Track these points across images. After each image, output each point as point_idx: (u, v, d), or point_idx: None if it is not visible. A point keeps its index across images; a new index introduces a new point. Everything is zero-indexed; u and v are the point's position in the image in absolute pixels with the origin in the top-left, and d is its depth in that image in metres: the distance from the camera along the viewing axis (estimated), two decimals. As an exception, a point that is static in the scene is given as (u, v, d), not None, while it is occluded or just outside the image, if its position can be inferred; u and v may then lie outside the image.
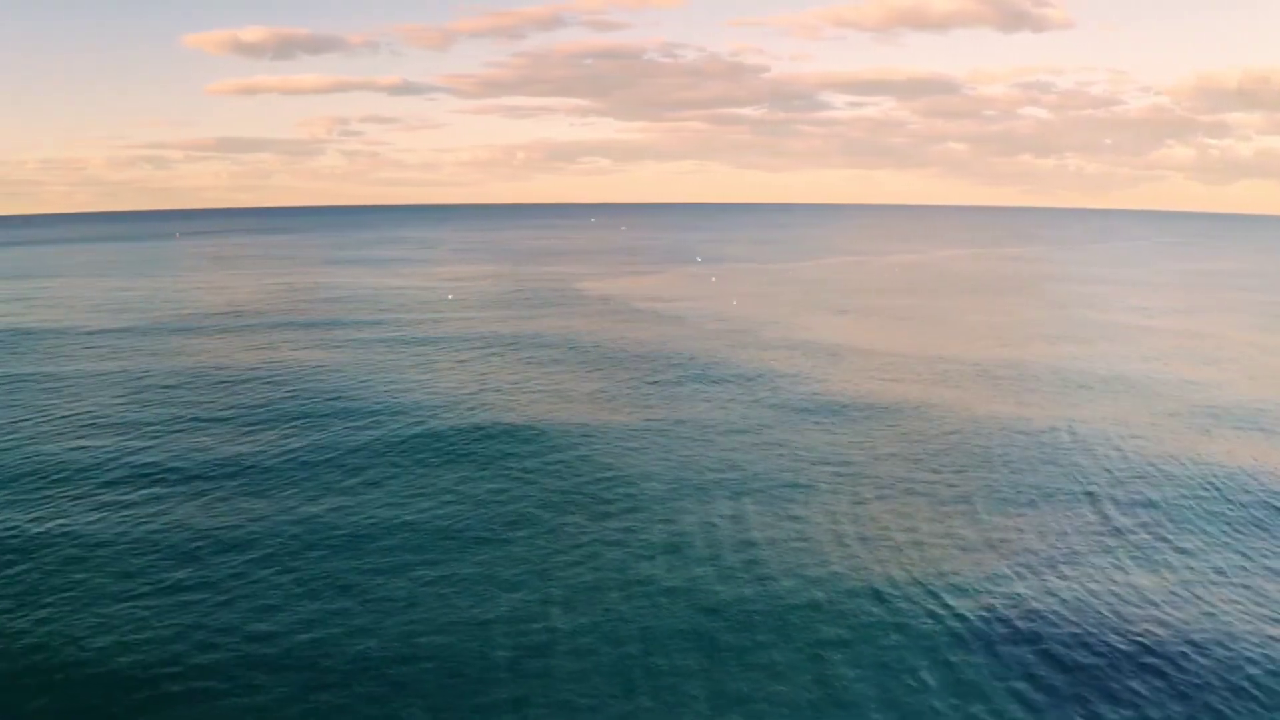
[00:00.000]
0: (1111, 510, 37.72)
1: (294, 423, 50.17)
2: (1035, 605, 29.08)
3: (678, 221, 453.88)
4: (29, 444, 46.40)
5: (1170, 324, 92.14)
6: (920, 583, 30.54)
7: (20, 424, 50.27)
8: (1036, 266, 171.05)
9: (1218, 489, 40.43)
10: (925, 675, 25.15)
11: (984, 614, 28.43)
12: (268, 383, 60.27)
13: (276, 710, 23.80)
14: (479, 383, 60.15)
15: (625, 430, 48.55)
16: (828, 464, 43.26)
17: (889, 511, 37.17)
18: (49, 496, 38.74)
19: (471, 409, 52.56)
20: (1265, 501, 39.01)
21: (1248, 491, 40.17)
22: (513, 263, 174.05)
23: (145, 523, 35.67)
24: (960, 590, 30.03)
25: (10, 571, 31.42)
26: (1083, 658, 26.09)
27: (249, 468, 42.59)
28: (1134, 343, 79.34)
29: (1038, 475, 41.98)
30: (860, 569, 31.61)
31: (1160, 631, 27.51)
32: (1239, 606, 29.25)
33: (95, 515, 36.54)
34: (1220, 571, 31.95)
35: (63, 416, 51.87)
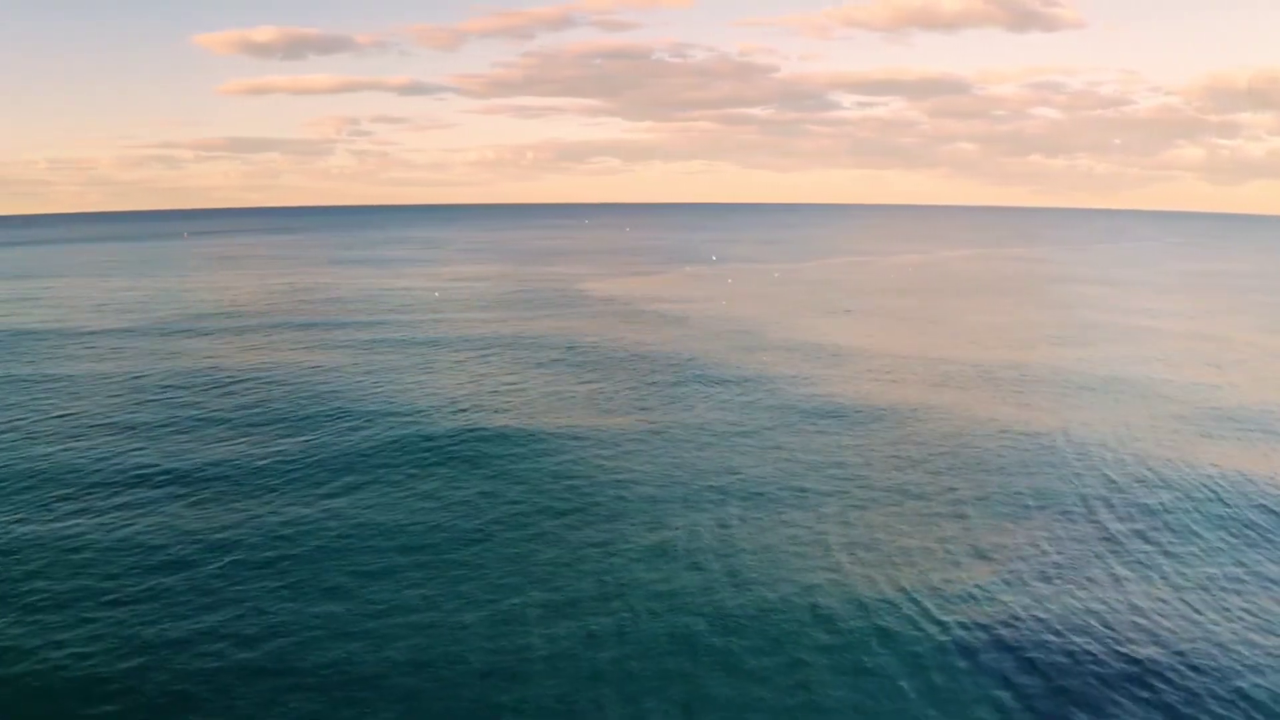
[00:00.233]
0: (1107, 517, 37.20)
1: (287, 425, 49.95)
2: (1023, 617, 28.65)
3: (685, 222, 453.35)
4: (20, 445, 46.27)
5: (1173, 326, 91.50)
6: (905, 592, 30.11)
7: (14, 425, 50.18)
8: (1041, 267, 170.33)
9: (1218, 495, 39.85)
10: (906, 687, 24.75)
11: (968, 625, 28.00)
12: (263, 385, 60.08)
13: (256, 715, 23.64)
14: (474, 385, 59.90)
15: (618, 433, 48.21)
16: (821, 469, 42.84)
17: (879, 519, 36.71)
18: (37, 499, 38.55)
19: (464, 411, 52.31)
20: (1266, 508, 38.41)
21: (1249, 498, 39.56)
22: (516, 263, 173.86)
23: (127, 525, 35.41)
24: (945, 600, 29.60)
25: (-10, 576, 31.27)
26: (1069, 672, 25.63)
27: (239, 471, 42.32)
28: (1136, 345, 78.73)
29: (1034, 481, 41.45)
30: (845, 578, 31.17)
31: (1150, 645, 27.00)
32: (1233, 619, 28.74)
33: (81, 518, 36.31)
34: (1217, 582, 31.42)
35: (56, 418, 51.72)
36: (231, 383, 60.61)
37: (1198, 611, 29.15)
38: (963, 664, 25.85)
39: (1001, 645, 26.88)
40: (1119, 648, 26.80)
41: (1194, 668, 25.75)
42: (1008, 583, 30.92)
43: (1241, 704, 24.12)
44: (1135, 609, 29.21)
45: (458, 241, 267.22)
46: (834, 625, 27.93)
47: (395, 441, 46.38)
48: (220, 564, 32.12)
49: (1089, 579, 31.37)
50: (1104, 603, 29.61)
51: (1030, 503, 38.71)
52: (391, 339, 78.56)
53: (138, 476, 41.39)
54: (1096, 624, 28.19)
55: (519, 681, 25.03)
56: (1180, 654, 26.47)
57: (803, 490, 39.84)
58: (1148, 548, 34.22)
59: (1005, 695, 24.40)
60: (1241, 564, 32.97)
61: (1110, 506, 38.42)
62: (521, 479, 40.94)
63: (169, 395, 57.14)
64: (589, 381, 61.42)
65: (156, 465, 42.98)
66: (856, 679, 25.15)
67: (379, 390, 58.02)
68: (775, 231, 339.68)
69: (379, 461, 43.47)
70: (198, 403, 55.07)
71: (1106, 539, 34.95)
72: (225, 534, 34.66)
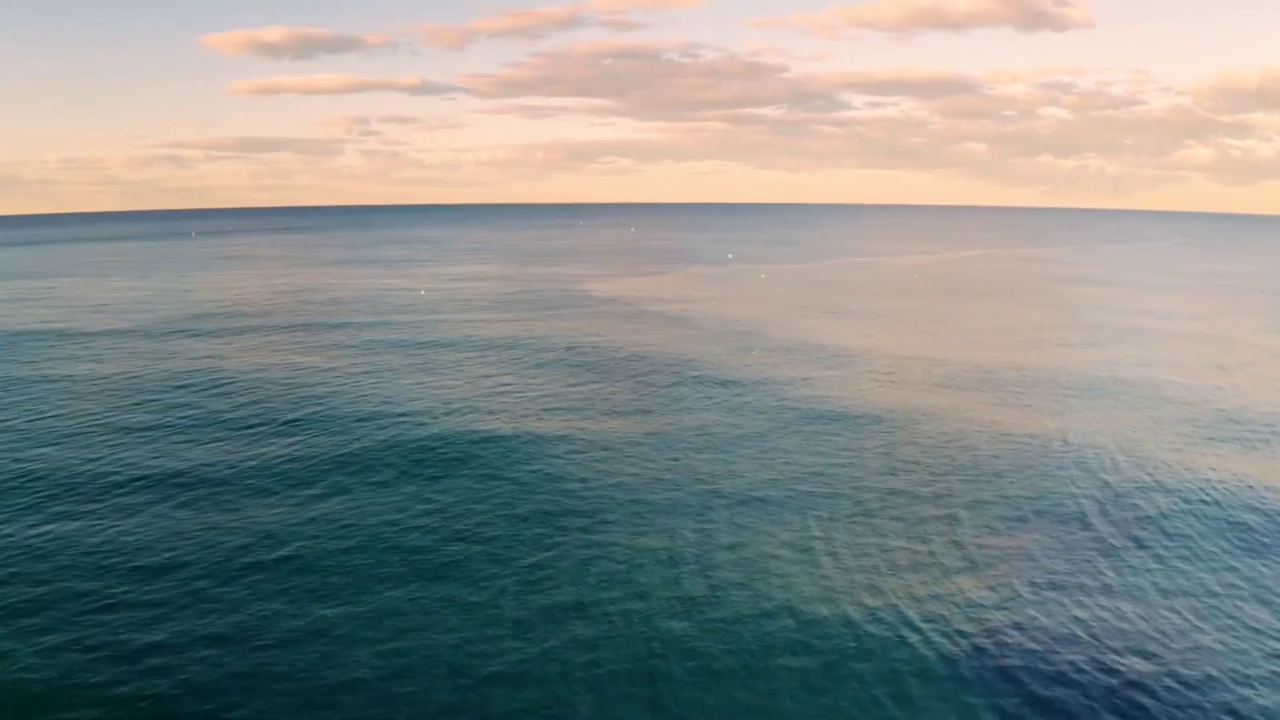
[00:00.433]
0: (1103, 525, 36.48)
1: (279, 428, 49.57)
2: (1008, 628, 27.99)
3: (694, 222, 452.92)
4: (10, 447, 45.98)
5: (1178, 327, 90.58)
6: (889, 603, 29.50)
7: (8, 426, 49.93)
8: (1047, 268, 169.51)
9: (1217, 501, 39.13)
10: (884, 699, 24.22)
11: (952, 637, 27.38)
12: (257, 386, 59.75)
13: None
14: (468, 387, 59.46)
15: (610, 437, 47.72)
16: (813, 475, 42.21)
17: (869, 527, 36.06)
18: (22, 502, 38.23)
19: (458, 414, 51.88)
20: (1266, 514, 37.66)
21: (1249, 505, 38.83)
22: (518, 263, 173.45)
23: (113, 528, 35.02)
24: (929, 612, 28.95)
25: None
26: (1053, 686, 24.98)
27: (230, 473, 41.94)
28: (1139, 346, 77.91)
29: (1029, 487, 40.74)
30: (828, 589, 30.56)
31: (1139, 659, 26.31)
32: (1228, 632, 28.06)
33: (66, 522, 35.97)
34: (1213, 592, 30.73)
35: (49, 419, 51.45)
36: (225, 384, 60.29)
37: (1191, 623, 28.48)
38: (945, 677, 25.23)
39: (986, 659, 26.24)
40: (1107, 661, 26.15)
41: (1183, 682, 25.08)
42: (996, 593, 30.26)
43: (1231, 721, 23.58)
44: (1126, 621, 28.55)
45: (463, 242, 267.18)
46: (815, 636, 27.36)
47: (386, 445, 45.96)
48: (206, 568, 31.74)
49: (1080, 589, 30.71)
50: (1094, 614, 28.95)
51: (1025, 509, 38.03)
52: (389, 340, 78.19)
53: (126, 479, 41.01)
54: (1085, 636, 27.55)
55: (500, 686, 24.73)
56: (1169, 668, 25.80)
57: (793, 496, 39.24)
58: (1143, 555, 33.53)
59: (987, 711, 23.86)
60: (1239, 573, 32.29)
61: (1106, 513, 37.75)
62: (510, 482, 40.45)
63: (161, 397, 56.81)
64: (583, 383, 60.98)
65: (146, 468, 42.62)
66: (835, 691, 24.62)
67: (372, 392, 57.65)
68: (785, 231, 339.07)
69: (368, 465, 43.02)
70: (190, 404, 54.76)
71: (1101, 547, 34.25)
72: (211, 538, 34.30)
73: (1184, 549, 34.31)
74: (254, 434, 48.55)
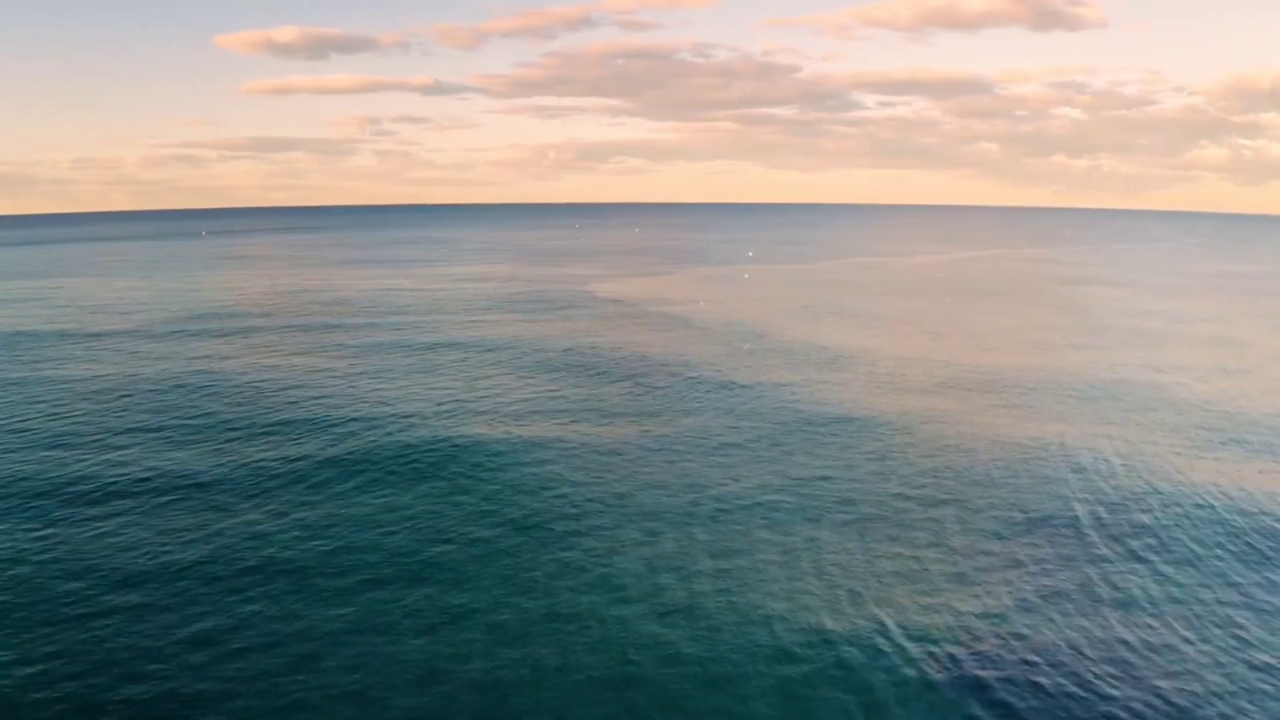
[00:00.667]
0: (1097, 537, 35.46)
1: (266, 432, 49.05)
2: (994, 647, 27.14)
3: (704, 222, 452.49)
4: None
5: (1184, 329, 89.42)
6: (872, 620, 28.67)
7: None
8: (1056, 268, 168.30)
9: (1218, 514, 38.00)
10: (859, 714, 23.77)
11: (937, 657, 26.55)
12: (250, 390, 59.28)
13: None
14: (461, 391, 58.85)
15: (599, 443, 47.08)
16: (804, 483, 41.37)
17: (857, 538, 35.21)
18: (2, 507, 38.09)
19: (450, 418, 51.40)
20: (1267, 528, 36.54)
21: (1250, 517, 37.65)
22: (526, 264, 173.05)
23: (94, 535, 34.58)
24: (913, 629, 28.10)
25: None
26: (1034, 704, 24.19)
27: (213, 479, 41.44)
28: (1144, 349, 76.80)
29: (1025, 497, 39.79)
30: (811, 601, 29.78)
31: (1124, 679, 25.45)
32: (1219, 653, 27.17)
33: (45, 528, 35.61)
34: (1209, 610, 29.74)
35: (37, 422, 51.21)
36: (218, 386, 59.88)
37: (1182, 638, 27.61)
38: (923, 692, 24.52)
39: (966, 672, 25.44)
40: (1090, 676, 25.33)
41: (1173, 705, 24.25)
42: (981, 605, 29.40)
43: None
44: (1113, 634, 27.69)
45: (472, 242, 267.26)
46: (795, 646, 26.67)
47: (375, 448, 45.37)
48: (189, 573, 31.35)
49: (1069, 601, 29.84)
50: (1081, 627, 28.09)
51: (1019, 521, 37.09)
52: (388, 342, 77.81)
53: (111, 483, 40.56)
54: (1070, 650, 26.70)
55: (476, 693, 24.46)
56: (1154, 685, 24.98)
57: (783, 503, 38.44)
58: (1136, 567, 32.61)
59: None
60: (1236, 588, 31.34)
61: (1101, 523, 36.79)
62: (497, 487, 39.89)
63: (151, 400, 56.35)
64: (578, 386, 60.37)
65: (131, 471, 42.13)
66: (813, 702, 24.11)
67: (365, 395, 57.24)
68: (796, 231, 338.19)
69: (356, 468, 42.43)
70: (181, 407, 54.38)
71: (1093, 558, 33.33)
72: (196, 542, 33.90)
73: (1179, 561, 33.39)
74: (242, 437, 48.10)
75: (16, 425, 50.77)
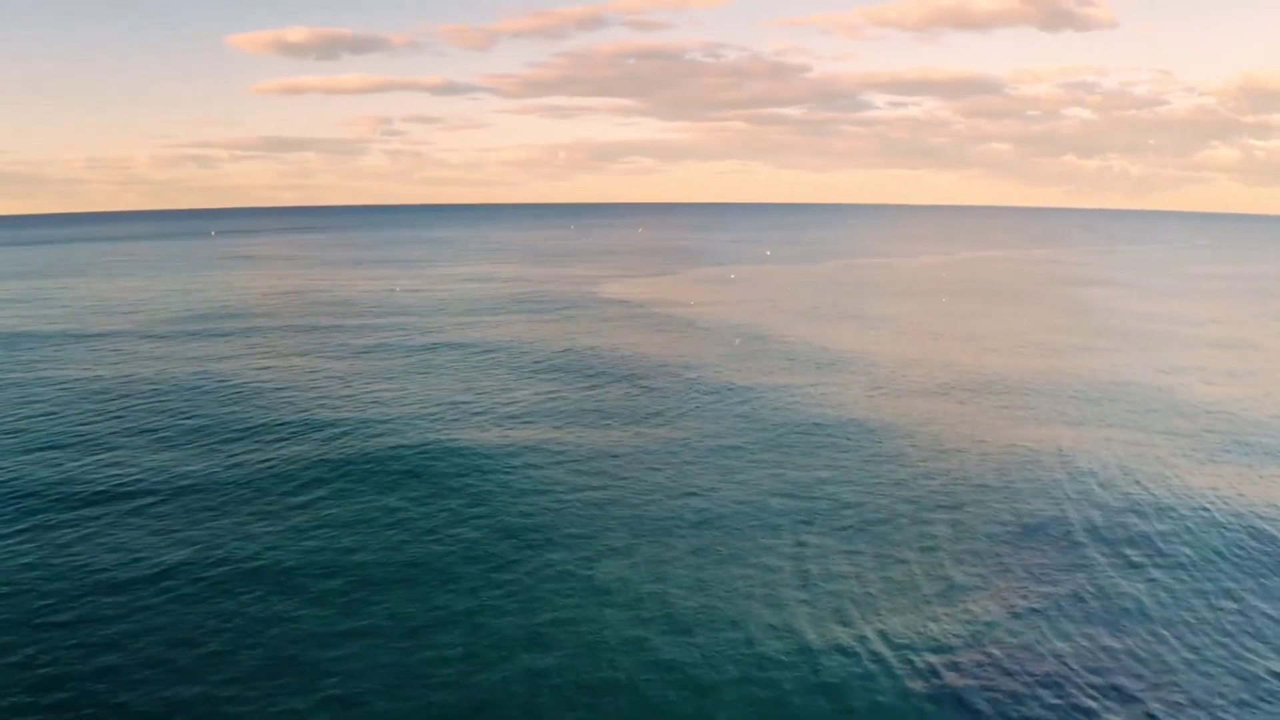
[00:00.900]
0: (1093, 548, 34.74)
1: (257, 435, 48.63)
2: (980, 661, 26.53)
3: (713, 222, 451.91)
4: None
5: (1192, 332, 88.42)
6: (858, 632, 28.10)
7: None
8: (1062, 269, 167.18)
9: (1219, 524, 37.18)
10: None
11: (918, 670, 25.96)
12: (242, 393, 58.90)
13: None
14: (453, 395, 58.46)
15: (588, 449, 46.66)
16: (794, 491, 40.79)
17: (846, 548, 34.62)
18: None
19: (439, 422, 50.95)
20: (1268, 543, 35.55)
21: (1252, 529, 36.79)
22: (532, 264, 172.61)
23: (70, 543, 34.23)
24: (897, 643, 27.50)
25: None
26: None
27: (199, 483, 40.99)
28: (1150, 353, 75.83)
29: (1021, 506, 39.06)
30: (793, 614, 29.23)
31: (1115, 698, 24.81)
32: (1213, 670, 26.50)
33: (25, 532, 35.34)
34: (1202, 627, 28.98)
35: (32, 422, 51.08)
36: (214, 389, 59.50)
37: (1175, 656, 26.94)
38: (903, 707, 23.96)
39: (950, 691, 24.83)
40: (1078, 696, 24.69)
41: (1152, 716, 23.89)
42: (969, 621, 28.72)
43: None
44: (1103, 650, 27.00)
45: (479, 242, 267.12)
46: (776, 663, 26.12)
47: (362, 453, 44.83)
48: (157, 586, 31.07)
49: (1063, 617, 29.17)
50: (1072, 645, 27.41)
51: (1013, 529, 36.43)
52: (385, 344, 77.48)
53: (95, 488, 40.24)
54: (1059, 670, 26.00)
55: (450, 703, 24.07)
56: (1144, 706, 24.30)
57: (771, 511, 37.88)
58: (1130, 580, 31.93)
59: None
60: (1234, 602, 30.60)
61: (1099, 534, 36.04)
62: (483, 493, 39.40)
63: (145, 402, 55.94)
64: (572, 390, 59.85)
65: (120, 474, 41.80)
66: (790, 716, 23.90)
67: (360, 398, 56.84)
68: (804, 231, 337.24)
69: (342, 474, 41.98)
70: (176, 410, 53.97)
71: (1088, 570, 32.64)
72: (175, 546, 33.60)
73: (1176, 571, 32.71)
74: (235, 438, 47.76)
75: (10, 426, 50.67)
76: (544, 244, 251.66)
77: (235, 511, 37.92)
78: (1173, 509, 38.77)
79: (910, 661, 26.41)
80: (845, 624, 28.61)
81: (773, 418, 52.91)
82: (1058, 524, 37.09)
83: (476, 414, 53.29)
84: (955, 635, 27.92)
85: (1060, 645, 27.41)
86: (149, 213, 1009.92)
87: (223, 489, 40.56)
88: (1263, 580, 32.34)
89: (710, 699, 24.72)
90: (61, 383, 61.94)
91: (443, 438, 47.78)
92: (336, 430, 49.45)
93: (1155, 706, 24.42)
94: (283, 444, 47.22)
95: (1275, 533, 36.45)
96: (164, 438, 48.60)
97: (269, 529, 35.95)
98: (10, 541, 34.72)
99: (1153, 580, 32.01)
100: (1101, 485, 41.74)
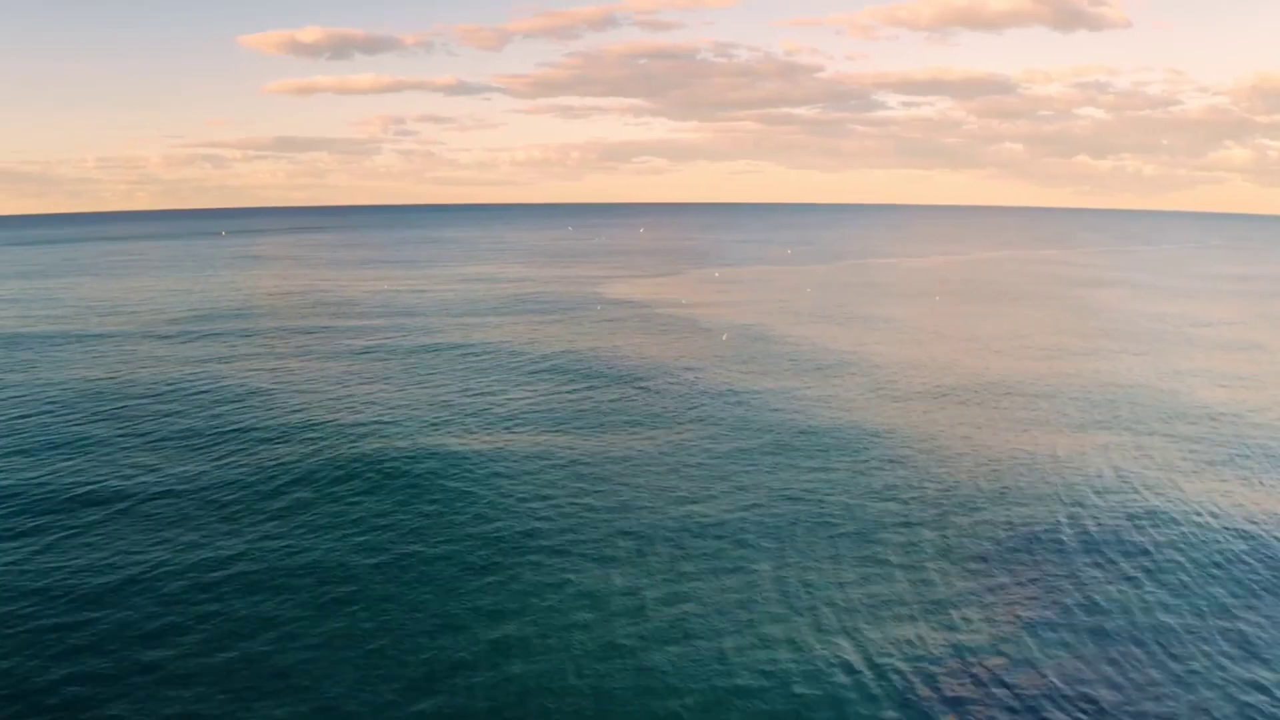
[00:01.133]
0: (1086, 562, 33.92)
1: (251, 439, 48.27)
2: (964, 679, 25.81)
3: (723, 222, 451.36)
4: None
5: (1200, 334, 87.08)
6: (840, 648, 27.39)
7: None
8: (1072, 270, 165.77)
9: (1218, 537, 36.19)
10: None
11: (898, 688, 25.25)
12: (243, 394, 58.54)
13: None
14: (446, 398, 58.00)
15: (578, 455, 46.08)
16: (783, 501, 40.08)
17: (832, 559, 33.95)
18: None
19: (430, 426, 50.58)
20: (1269, 557, 34.55)
21: (1251, 541, 35.87)
22: (538, 265, 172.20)
23: (43, 552, 33.96)
24: (877, 660, 26.80)
25: None
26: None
27: (183, 489, 40.61)
28: (1156, 356, 74.69)
29: (1014, 517, 38.28)
30: (776, 629, 28.52)
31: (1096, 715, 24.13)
32: (1206, 691, 25.68)
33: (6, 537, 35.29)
34: (1195, 646, 28.11)
35: (26, 424, 50.74)
36: (210, 391, 59.09)
37: (1166, 675, 26.12)
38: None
39: (931, 709, 24.16)
40: (1060, 711, 24.19)
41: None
42: (955, 638, 28.00)
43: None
44: (1091, 671, 26.22)
45: (487, 242, 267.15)
46: (757, 674, 25.48)
47: (354, 458, 44.23)
48: (137, 589, 30.76)
49: (1051, 634, 28.40)
50: (1056, 664, 26.63)
51: (1005, 541, 35.66)
52: (382, 346, 77.02)
53: (77, 494, 39.92)
54: (1043, 689, 25.24)
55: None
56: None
57: (758, 522, 37.18)
58: (1125, 594, 31.13)
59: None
60: (1229, 620, 29.70)
61: (1093, 549, 35.13)
62: (467, 501, 38.79)
63: (141, 404, 55.51)
64: (565, 393, 59.27)
65: (96, 485, 41.41)
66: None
67: (355, 401, 56.44)
68: (813, 232, 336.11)
69: (327, 479, 41.49)
70: (169, 413, 53.60)
71: (1080, 584, 31.82)
72: (148, 555, 33.19)
73: (1170, 588, 31.85)
74: (227, 442, 47.45)
75: (4, 428, 50.47)
76: (558, 244, 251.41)
77: (222, 514, 37.59)
78: (1170, 519, 37.95)
79: (891, 678, 25.77)
80: (830, 638, 27.94)
81: (768, 422, 52.22)
82: (1050, 534, 36.31)
83: (469, 417, 52.78)
84: (940, 649, 27.25)
85: (1048, 662, 26.70)
86: (160, 213, 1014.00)
87: (209, 492, 40.21)
88: (1258, 595, 31.51)
89: (690, 712, 24.20)
90: (60, 384, 61.66)
91: (432, 442, 47.27)
92: (327, 434, 48.99)
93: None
94: (272, 446, 46.82)
95: (1273, 544, 35.57)
96: (155, 440, 48.31)
97: (254, 532, 35.67)
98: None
99: (1145, 594, 31.25)
100: (1098, 493, 40.98)
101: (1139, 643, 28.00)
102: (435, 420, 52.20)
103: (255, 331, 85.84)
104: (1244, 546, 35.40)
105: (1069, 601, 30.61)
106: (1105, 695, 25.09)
